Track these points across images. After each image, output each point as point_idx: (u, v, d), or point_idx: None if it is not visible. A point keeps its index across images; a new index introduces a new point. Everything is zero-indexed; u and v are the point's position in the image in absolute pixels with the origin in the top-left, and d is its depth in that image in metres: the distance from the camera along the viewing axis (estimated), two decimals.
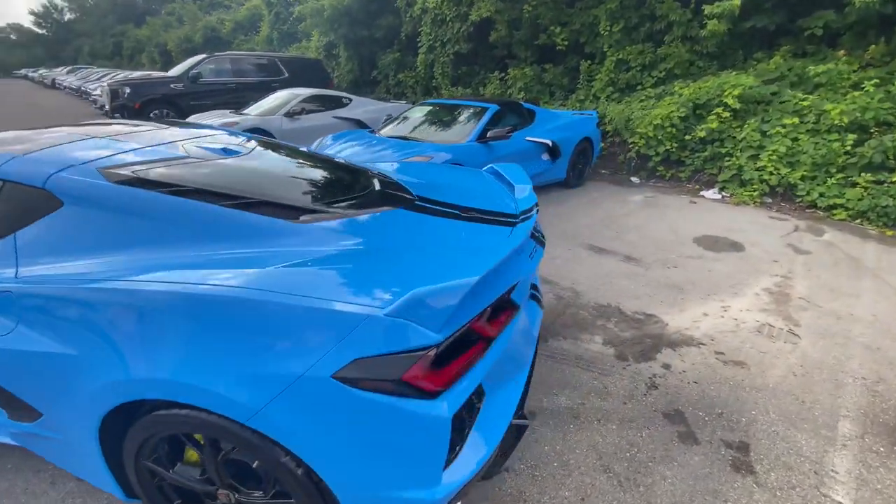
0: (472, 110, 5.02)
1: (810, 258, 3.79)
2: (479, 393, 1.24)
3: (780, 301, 3.07)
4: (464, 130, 4.70)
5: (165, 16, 30.82)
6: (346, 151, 4.47)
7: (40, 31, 54.30)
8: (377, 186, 1.95)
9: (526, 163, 5.10)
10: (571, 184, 5.90)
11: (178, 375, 1.10)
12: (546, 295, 3.15)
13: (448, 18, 9.69)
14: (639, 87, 7.52)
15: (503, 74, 9.47)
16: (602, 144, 7.01)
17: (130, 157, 1.70)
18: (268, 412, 1.05)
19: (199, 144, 1.94)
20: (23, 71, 45.40)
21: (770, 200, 5.32)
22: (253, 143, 2.17)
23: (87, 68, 26.10)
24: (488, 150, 4.61)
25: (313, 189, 1.83)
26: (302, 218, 1.52)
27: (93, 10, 44.96)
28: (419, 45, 10.63)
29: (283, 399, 1.04)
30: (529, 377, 1.65)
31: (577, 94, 8.35)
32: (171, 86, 9.28)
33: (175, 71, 9.93)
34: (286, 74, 10.42)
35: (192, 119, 7.02)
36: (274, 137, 6.77)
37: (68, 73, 26.48)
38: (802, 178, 5.15)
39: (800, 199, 5.12)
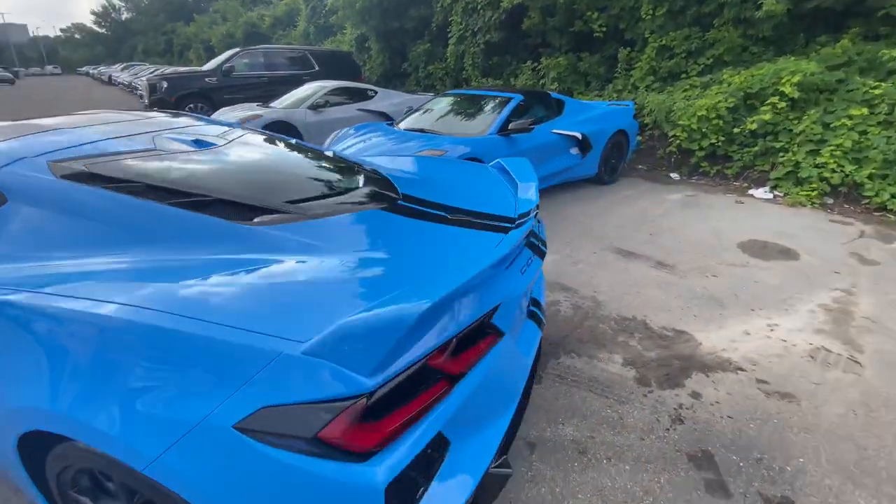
0: (494, 101, 4.72)
1: (878, 270, 3.28)
2: (439, 444, 1.00)
3: (839, 321, 2.64)
4: (484, 122, 4.42)
5: (212, 13, 31.90)
6: (360, 144, 4.29)
7: (100, 31, 57.72)
8: (359, 184, 1.73)
9: (552, 157, 4.79)
10: (604, 180, 5.50)
11: (70, 410, 0.92)
12: (562, 304, 2.85)
13: (479, 6, 9.35)
14: (683, 75, 6.94)
15: (536, 64, 9.05)
16: (639, 138, 6.54)
17: (91, 150, 1.57)
18: (166, 461, 0.86)
19: (173, 136, 1.80)
20: (85, 68, 48.49)
21: (831, 201, 4.73)
22: (236, 135, 2.00)
23: (139, 65, 27.42)
24: (510, 144, 4.30)
25: (285, 186, 1.64)
26: (256, 219, 1.32)
27: (147, 10, 47.27)
28: (449, 35, 10.35)
29: (181, 449, 0.84)
30: (521, 412, 1.40)
31: (615, 84, 7.84)
32: (206, 80, 9.46)
33: (210, 65, 10.12)
34: (316, 67, 10.42)
35: (219, 112, 7.07)
36: (298, 130, 6.72)
37: (122, 69, 27.90)
38: (871, 177, 4.53)
39: (867, 201, 4.52)
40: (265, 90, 9.49)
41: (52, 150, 1.51)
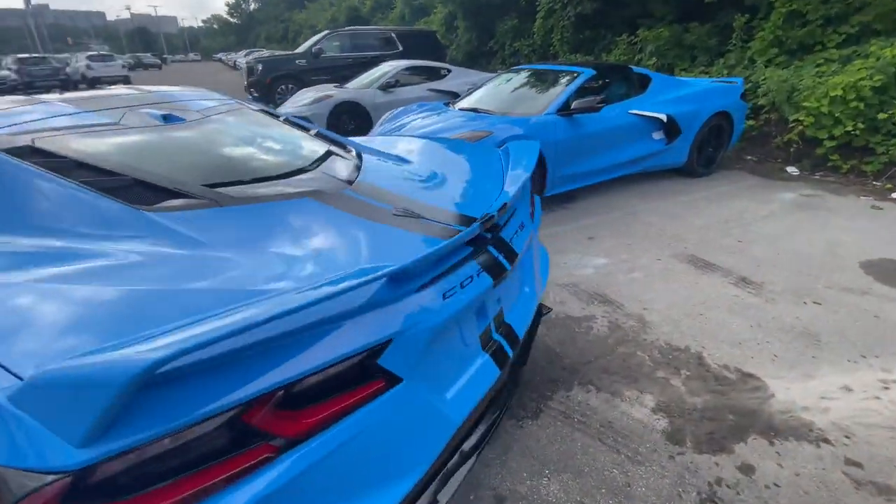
0: (560, 77, 4.16)
1: None
2: None
3: None
4: (544, 100, 3.91)
5: (322, 0, 33.79)
6: (409, 124, 4.06)
7: (233, 21, 64.58)
8: (312, 168, 1.49)
9: (628, 142, 4.13)
10: (696, 171, 4.66)
11: None
12: (598, 320, 2.37)
13: None
14: (817, 47, 5.62)
15: (633, 37, 8.03)
16: (750, 122, 5.47)
17: (55, 123, 1.51)
18: None
19: (148, 111, 1.70)
20: (219, 55, 54.83)
21: None
22: (221, 111, 1.86)
23: (258, 51, 30.09)
24: (572, 126, 3.76)
25: (220, 167, 1.45)
26: (159, 204, 1.14)
27: (270, 0, 51.63)
28: (538, 9, 9.62)
29: None
30: (445, 477, 1.06)
31: (727, 59, 6.64)
32: (296, 62, 9.90)
33: (302, 48, 10.57)
34: (400, 48, 10.38)
35: (298, 93, 7.30)
36: (366, 110, 6.70)
37: (245, 55, 30.87)
38: None
39: None
40: (351, 71, 9.67)
41: (22, 122, 1.49)
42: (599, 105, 3.72)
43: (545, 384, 1.93)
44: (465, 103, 4.48)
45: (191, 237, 1.01)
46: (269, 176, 1.38)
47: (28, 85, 15.14)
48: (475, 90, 4.85)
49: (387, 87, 6.82)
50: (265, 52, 27.55)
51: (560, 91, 3.91)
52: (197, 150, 1.49)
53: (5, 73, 13.75)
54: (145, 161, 1.32)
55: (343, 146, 1.80)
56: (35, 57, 16.95)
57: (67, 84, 16.81)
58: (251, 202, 1.20)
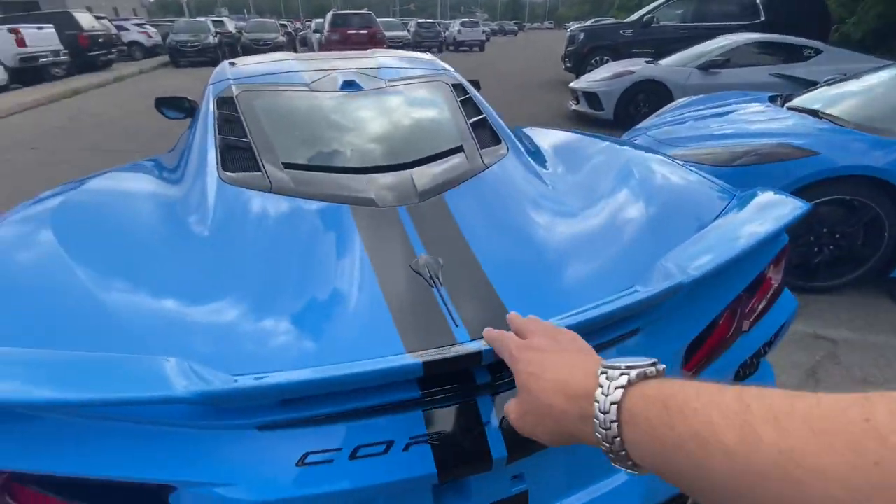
0: None
1: None
2: None
3: None
4: None
5: None
6: (687, 121, 3.04)
7: None
8: (411, 165, 1.14)
9: None
10: None
11: None
12: None
13: None
14: None
15: None
16: None
17: (273, 79, 1.65)
18: None
19: (340, 76, 1.66)
20: (569, 24, 57.44)
21: None
22: (410, 81, 1.67)
23: (605, 20, 29.55)
24: None
25: (328, 145, 1.26)
26: (237, 174, 1.12)
27: None
28: None
29: None
30: None
31: None
32: (621, 32, 9.05)
33: (634, 16, 9.57)
34: (762, 17, 8.02)
35: (601, 68, 6.66)
36: (671, 93, 5.55)
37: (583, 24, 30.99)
38: None
39: None
40: (685, 45, 8.11)
41: (260, 74, 1.68)
42: None
43: None
44: (804, 100, 3.00)
45: (197, 228, 0.91)
46: (355, 168, 1.13)
47: (417, 44, 19.57)
48: (836, 82, 3.20)
49: (710, 66, 5.39)
50: (609, 21, 26.66)
51: None
52: (328, 122, 1.38)
53: (404, 33, 18.17)
54: (272, 128, 1.28)
55: (497, 142, 1.35)
56: (428, 22, 21.73)
57: (441, 46, 20.80)
58: (299, 195, 0.99)
